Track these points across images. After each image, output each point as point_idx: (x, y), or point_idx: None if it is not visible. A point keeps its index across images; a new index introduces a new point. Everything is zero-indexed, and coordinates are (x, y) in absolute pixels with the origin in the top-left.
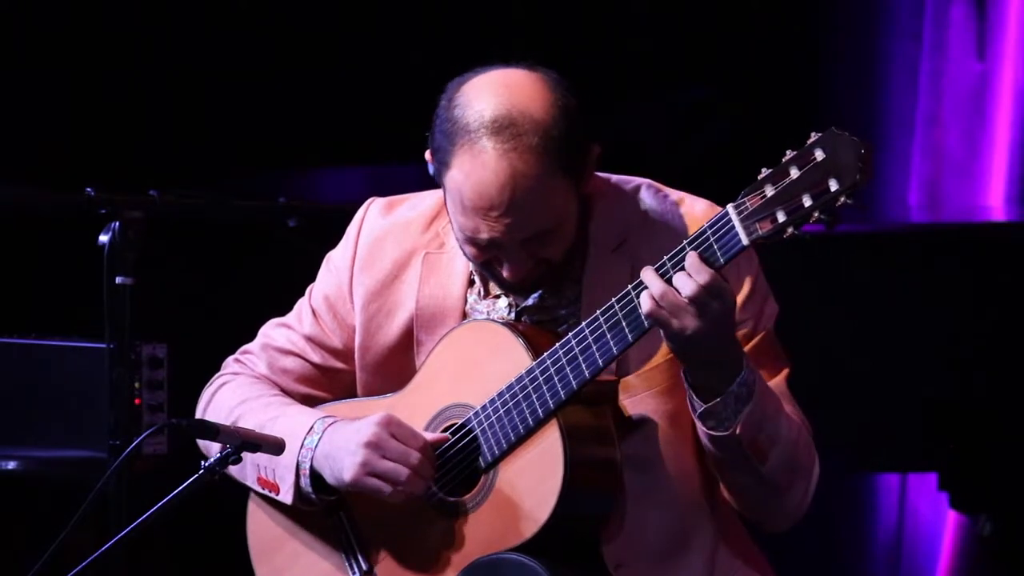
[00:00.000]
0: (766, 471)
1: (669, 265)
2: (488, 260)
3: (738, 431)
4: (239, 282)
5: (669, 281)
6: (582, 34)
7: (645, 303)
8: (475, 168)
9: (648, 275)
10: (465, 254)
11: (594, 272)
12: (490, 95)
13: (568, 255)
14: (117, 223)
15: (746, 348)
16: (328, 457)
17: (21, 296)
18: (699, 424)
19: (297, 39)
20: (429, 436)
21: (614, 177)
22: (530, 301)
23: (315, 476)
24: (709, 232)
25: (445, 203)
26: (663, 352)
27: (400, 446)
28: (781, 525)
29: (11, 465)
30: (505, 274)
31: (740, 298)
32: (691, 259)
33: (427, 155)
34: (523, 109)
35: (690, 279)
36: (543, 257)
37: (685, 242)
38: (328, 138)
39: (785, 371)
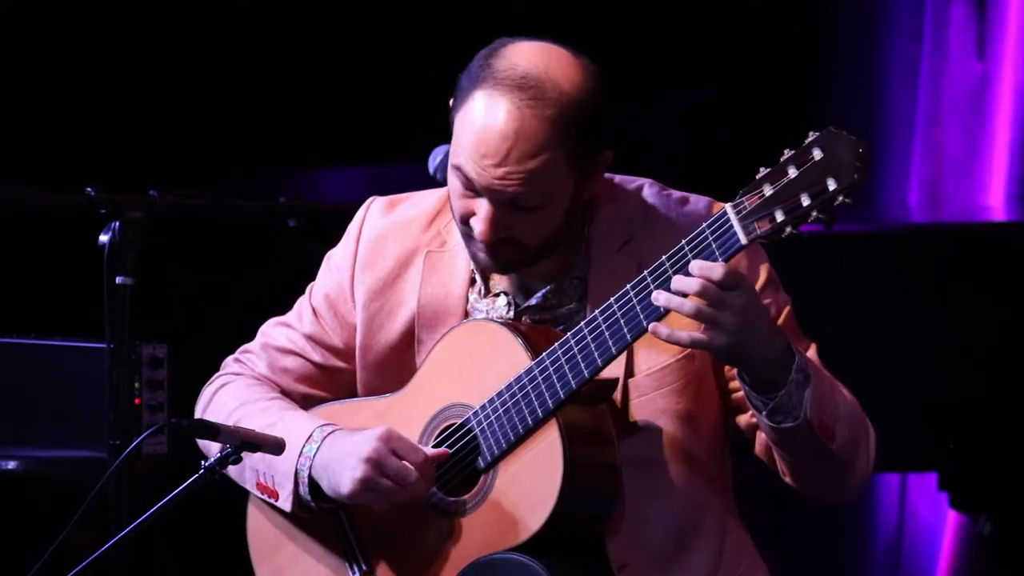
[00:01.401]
0: (837, 448)
1: (668, 265)
2: (468, 216)
3: (808, 415)
4: (239, 282)
5: (668, 280)
6: (582, 34)
7: (687, 306)
8: (486, 110)
9: (680, 282)
10: (453, 210)
11: (599, 271)
12: (530, 54)
13: (546, 250)
14: (117, 223)
15: None
16: (327, 469)
17: (21, 296)
18: (766, 423)
19: (297, 39)
20: (430, 452)
21: (616, 177)
22: (532, 300)
23: (313, 484)
24: (708, 232)
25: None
26: (673, 352)
27: (400, 464)
28: (848, 497)
29: (11, 465)
30: (474, 226)
31: (759, 285)
32: (697, 264)
33: (452, 102)
34: (555, 78)
35: (700, 279)
36: (512, 236)
37: (683, 241)
38: (328, 138)
39: (814, 345)
